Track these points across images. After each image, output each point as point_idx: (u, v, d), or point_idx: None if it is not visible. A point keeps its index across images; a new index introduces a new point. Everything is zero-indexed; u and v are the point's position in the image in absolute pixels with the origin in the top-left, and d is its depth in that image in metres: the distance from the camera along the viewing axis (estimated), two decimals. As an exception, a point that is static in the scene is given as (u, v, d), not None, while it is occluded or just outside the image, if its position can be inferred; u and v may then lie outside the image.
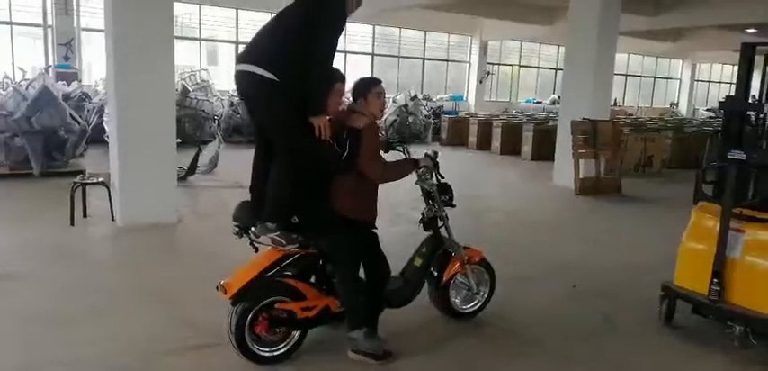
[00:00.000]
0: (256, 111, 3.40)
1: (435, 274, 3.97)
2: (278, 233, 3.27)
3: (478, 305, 4.15)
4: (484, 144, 14.49)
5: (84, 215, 6.46)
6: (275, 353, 3.41)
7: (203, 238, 5.97)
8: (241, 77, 3.28)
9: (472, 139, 14.92)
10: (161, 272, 4.98)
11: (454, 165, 12.19)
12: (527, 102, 22.06)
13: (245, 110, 3.79)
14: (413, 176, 3.79)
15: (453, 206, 3.97)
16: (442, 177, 3.89)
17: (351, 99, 3.62)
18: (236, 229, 3.41)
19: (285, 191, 3.29)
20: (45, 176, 8.32)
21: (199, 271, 4.66)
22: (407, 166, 3.65)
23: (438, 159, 3.87)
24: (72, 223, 6.16)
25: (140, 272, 4.99)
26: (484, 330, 4.06)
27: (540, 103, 21.58)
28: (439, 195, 3.86)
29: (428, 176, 3.81)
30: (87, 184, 6.45)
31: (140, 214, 6.20)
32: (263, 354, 3.38)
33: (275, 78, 3.14)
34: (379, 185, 3.55)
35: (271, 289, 3.35)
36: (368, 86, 3.51)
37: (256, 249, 3.38)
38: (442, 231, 3.97)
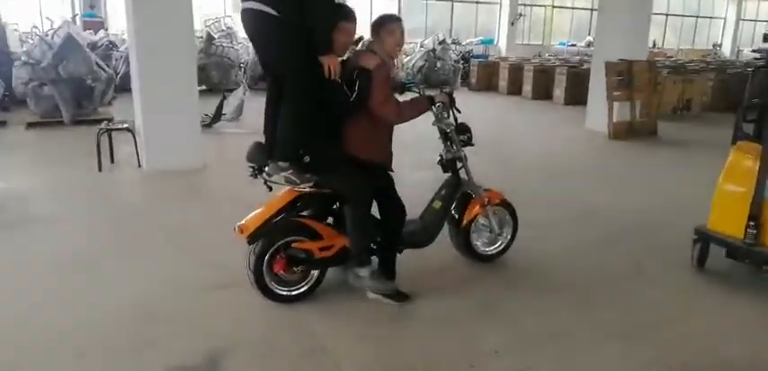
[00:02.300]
0: (261, 49, 3.30)
1: (456, 216, 3.89)
2: (291, 171, 3.21)
3: (501, 247, 4.06)
4: (514, 89, 14.14)
5: (112, 161, 6.56)
6: (294, 292, 3.41)
7: (227, 183, 5.98)
8: (245, 16, 3.18)
9: (502, 83, 14.57)
10: (186, 216, 5.02)
11: (483, 110, 11.95)
12: (561, 45, 21.33)
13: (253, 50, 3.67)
14: (432, 118, 3.67)
15: (472, 145, 3.84)
16: (460, 111, 3.75)
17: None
18: (251, 169, 3.36)
19: (295, 130, 3.21)
20: (75, 123, 8.46)
21: (223, 214, 4.67)
22: (422, 104, 3.51)
23: (454, 96, 3.73)
24: (99, 169, 6.25)
25: (166, 216, 5.03)
26: (506, 272, 3.97)
27: (575, 45, 20.85)
28: (457, 135, 3.73)
29: (445, 114, 3.68)
30: (113, 130, 6.51)
31: (165, 160, 6.26)
32: (282, 293, 3.39)
33: (275, 13, 3.02)
34: (395, 125, 3.44)
35: (287, 229, 3.33)
36: (381, 24, 3.35)
37: (270, 189, 3.33)
38: (462, 173, 3.86)
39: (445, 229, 3.91)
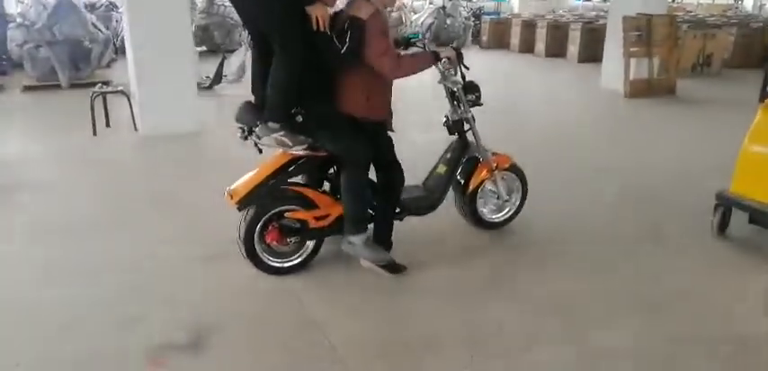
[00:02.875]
0: (243, 6, 3.02)
1: (461, 181, 3.64)
2: (282, 133, 2.96)
3: (509, 214, 3.81)
4: (527, 47, 13.72)
5: (108, 125, 6.36)
6: (287, 264, 3.21)
7: (225, 147, 5.72)
8: None
9: (514, 41, 14.14)
10: (179, 182, 4.82)
11: (494, 69, 11.59)
12: (576, 1, 20.65)
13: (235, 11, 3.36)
14: (438, 76, 3.40)
15: (480, 105, 3.57)
16: (468, 68, 3.45)
17: None
18: (240, 131, 3.11)
19: (285, 89, 2.94)
20: (73, 87, 8.24)
21: (217, 181, 4.39)
22: (425, 59, 3.20)
23: (461, 52, 3.44)
24: (94, 133, 6.06)
25: (158, 182, 4.84)
26: (513, 240, 3.73)
27: (590, 1, 20.17)
28: (464, 95, 3.46)
29: (452, 72, 3.39)
30: (107, 92, 6.29)
31: (161, 123, 6.04)
32: (274, 264, 3.18)
33: None
34: (394, 81, 3.15)
35: (280, 197, 3.10)
36: None
37: (260, 152, 3.09)
38: (469, 135, 3.59)
39: (449, 196, 3.67)
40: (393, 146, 3.27)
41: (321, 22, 2.84)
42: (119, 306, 2.95)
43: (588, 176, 5.07)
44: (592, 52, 11.60)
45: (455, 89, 3.43)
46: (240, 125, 3.11)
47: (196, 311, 2.90)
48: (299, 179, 3.26)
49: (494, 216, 3.81)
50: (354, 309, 2.97)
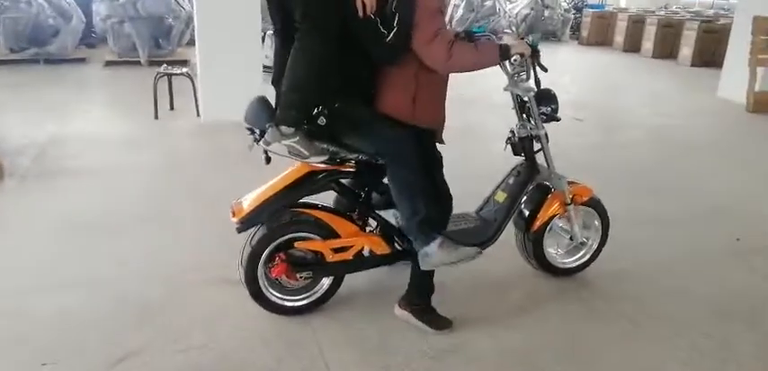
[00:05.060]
0: None
1: (526, 214, 2.98)
2: (296, 139, 2.40)
3: (583, 260, 3.11)
4: (633, 46, 12.50)
5: (171, 108, 6.22)
6: (296, 303, 2.69)
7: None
8: None
9: (618, 38, 12.91)
10: (227, 180, 4.43)
11: (592, 68, 10.53)
12: (693, -4, 18.66)
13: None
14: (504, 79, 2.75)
15: (557, 120, 2.87)
16: (545, 70, 2.72)
17: None
18: (249, 133, 2.57)
19: (302, 85, 2.37)
20: (151, 64, 8.26)
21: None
22: (489, 52, 2.51)
23: (539, 49, 2.73)
24: (156, 116, 5.91)
25: (205, 178, 4.50)
26: (590, 293, 3.03)
27: (710, -3, 18.15)
28: (537, 106, 2.79)
29: (523, 75, 2.72)
30: (171, 74, 6.13)
31: (222, 110, 5.74)
32: (280, 303, 2.67)
33: None
34: (446, 75, 2.54)
35: (289, 222, 2.58)
36: None
37: (268, 161, 2.53)
38: (540, 157, 2.93)
39: (510, 231, 3.03)
40: (441, 166, 2.67)
41: (367, 7, 2.28)
42: (111, 333, 2.55)
43: (694, 209, 4.20)
44: (708, 56, 10.33)
45: (526, 98, 2.78)
46: (249, 127, 2.56)
47: (193, 349, 2.46)
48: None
49: (564, 260, 3.12)
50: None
